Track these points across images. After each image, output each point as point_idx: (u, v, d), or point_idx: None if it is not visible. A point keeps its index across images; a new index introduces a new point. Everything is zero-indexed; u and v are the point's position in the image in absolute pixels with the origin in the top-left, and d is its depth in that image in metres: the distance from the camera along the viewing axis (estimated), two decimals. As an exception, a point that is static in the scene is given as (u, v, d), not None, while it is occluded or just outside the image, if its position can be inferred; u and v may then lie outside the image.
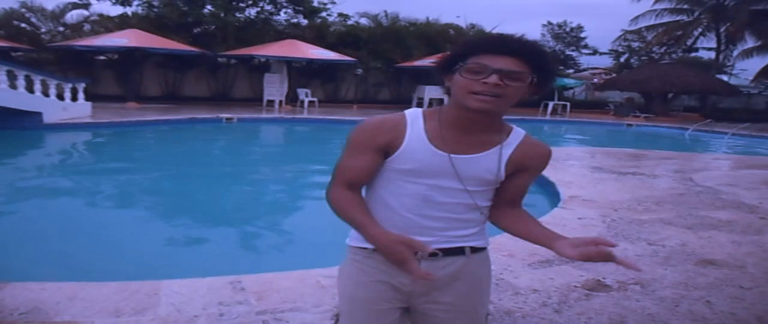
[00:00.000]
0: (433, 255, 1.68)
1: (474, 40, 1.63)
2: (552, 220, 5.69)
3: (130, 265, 4.71)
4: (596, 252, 1.58)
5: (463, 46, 1.63)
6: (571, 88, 29.46)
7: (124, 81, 21.02)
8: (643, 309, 3.54)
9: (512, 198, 1.82)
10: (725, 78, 31.49)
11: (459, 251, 1.79)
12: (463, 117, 1.66)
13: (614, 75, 31.18)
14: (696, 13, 29.55)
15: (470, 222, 1.79)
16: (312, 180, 9.34)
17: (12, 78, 12.36)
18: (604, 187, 7.74)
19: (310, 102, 21.75)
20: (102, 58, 22.17)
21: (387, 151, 1.71)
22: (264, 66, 23.25)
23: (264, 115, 18.59)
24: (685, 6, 29.60)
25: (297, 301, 3.38)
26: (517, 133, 1.76)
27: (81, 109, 14.30)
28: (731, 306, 3.67)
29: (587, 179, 8.24)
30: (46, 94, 13.22)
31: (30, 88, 12.73)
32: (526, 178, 1.80)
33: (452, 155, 1.68)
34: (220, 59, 23.43)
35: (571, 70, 33.77)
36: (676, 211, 6.40)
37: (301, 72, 23.65)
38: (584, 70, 35.48)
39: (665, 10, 29.99)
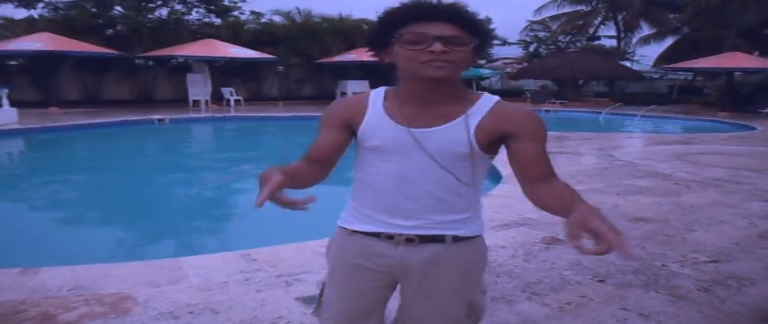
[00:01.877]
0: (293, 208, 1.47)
1: (401, 9, 1.54)
2: (500, 192, 6.38)
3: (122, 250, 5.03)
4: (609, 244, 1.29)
5: (389, 17, 1.55)
6: (487, 78, 30.75)
7: (40, 86, 20.34)
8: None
9: (530, 172, 1.62)
10: (629, 64, 33.78)
11: (439, 239, 1.70)
12: (418, 89, 1.59)
13: (526, 64, 32.81)
14: (594, 3, 31.72)
15: (454, 205, 1.68)
16: (269, 161, 9.78)
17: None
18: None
19: (236, 100, 21.80)
20: (13, 63, 21.38)
21: (351, 128, 1.69)
22: (185, 66, 23.01)
23: (194, 115, 18.54)
24: None
25: (304, 265, 3.86)
26: (487, 100, 1.65)
27: (8, 116, 13.90)
28: (662, 248, 4.45)
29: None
30: (-29, 101, 12.82)
31: (-47, 96, 12.33)
32: (523, 145, 1.61)
33: (413, 129, 1.60)
34: (138, 61, 23.07)
35: (483, 61, 35.18)
36: (604, 182, 7.26)
37: (222, 71, 23.56)
38: (496, 60, 37.06)
39: (565, 0, 32.03)
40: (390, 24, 1.53)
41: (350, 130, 1.68)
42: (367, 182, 1.71)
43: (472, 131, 1.59)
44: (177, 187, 8.57)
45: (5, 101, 14.18)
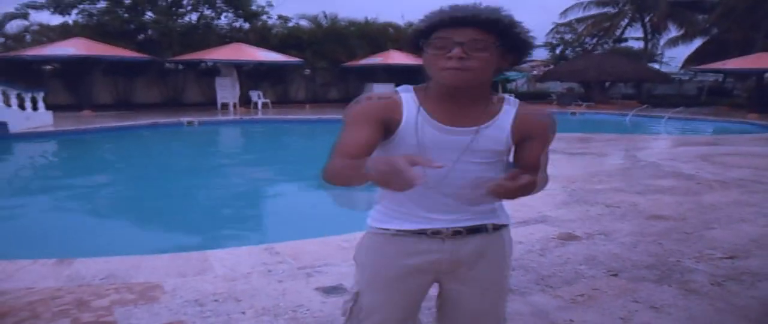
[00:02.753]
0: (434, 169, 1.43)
1: (433, 15, 1.59)
2: (521, 192, 6.45)
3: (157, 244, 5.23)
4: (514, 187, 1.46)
5: (424, 23, 1.60)
6: (513, 80, 30.67)
7: (74, 90, 20.90)
8: (609, 250, 4.31)
9: (528, 165, 1.73)
10: (657, 66, 33.38)
11: (482, 229, 1.79)
12: (442, 92, 1.65)
13: (552, 66, 32.62)
14: (620, 5, 31.45)
15: (488, 197, 1.68)
16: (298, 168, 10.22)
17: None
18: (560, 165, 8.59)
19: (264, 103, 22.09)
20: (48, 68, 22.00)
21: (387, 125, 1.67)
22: (213, 70, 23.40)
23: (222, 118, 18.86)
24: None
25: (327, 259, 3.99)
26: (512, 102, 1.75)
27: (43, 118, 14.36)
28: (678, 245, 4.49)
29: (544, 159, 9.08)
30: (7, 104, 13.26)
31: (-9, 99, 12.79)
32: (534, 145, 1.74)
33: (453, 128, 1.66)
34: (168, 65, 23.49)
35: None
36: (625, 182, 7.28)
37: (249, 75, 23.87)
38: (524, 62, 36.88)
39: (592, 2, 31.88)
40: (427, 29, 1.58)
41: (386, 128, 1.67)
42: None
43: (508, 129, 1.69)
44: (204, 185, 8.83)
45: (41, 104, 14.64)
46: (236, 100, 21.62)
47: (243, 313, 3.07)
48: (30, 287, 3.34)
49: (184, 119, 17.01)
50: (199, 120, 17.33)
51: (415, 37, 1.61)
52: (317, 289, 3.43)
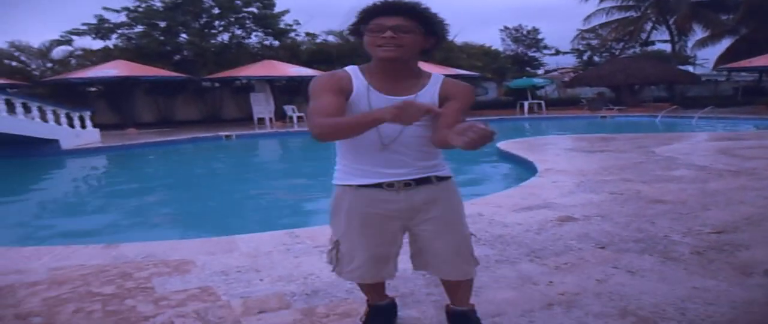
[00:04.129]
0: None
1: (370, 6, 2.07)
2: (531, 184, 6.81)
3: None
4: (474, 133, 1.70)
5: (363, 14, 2.09)
6: (542, 87, 30.80)
7: (118, 110, 21.96)
8: (602, 228, 4.65)
9: (448, 120, 2.06)
10: (691, 68, 33.09)
11: (428, 180, 2.26)
12: (382, 67, 2.12)
13: (581, 72, 32.67)
14: (643, 8, 31.65)
15: (429, 153, 2.23)
16: (325, 172, 10.61)
17: (27, 110, 13.28)
18: (576, 161, 8.90)
19: (299, 117, 22.73)
20: (93, 89, 23.17)
21: (344, 94, 2.11)
22: (248, 87, 24.26)
23: (259, 131, 19.57)
24: (631, 2, 31.80)
25: (340, 241, 4.44)
26: (437, 76, 2.23)
27: (91, 136, 15.25)
28: (670, 223, 4.80)
29: (560, 157, 9.41)
30: (58, 123, 14.15)
31: (44, 119, 13.67)
32: (453, 103, 2.15)
33: (391, 96, 2.10)
34: (204, 83, 24.54)
35: (540, 70, 35.17)
36: (635, 173, 7.55)
37: (282, 90, 24.66)
38: (554, 70, 36.95)
39: (613, 7, 32.22)
40: (365, 18, 2.10)
41: (343, 96, 2.11)
42: (360, 142, 2.15)
43: (436, 96, 2.18)
44: (238, 189, 9.50)
45: (89, 123, 15.53)
46: (272, 115, 22.36)
47: (261, 280, 3.54)
48: (82, 264, 3.88)
49: (223, 134, 17.74)
50: (237, 134, 18.06)
51: (356, 25, 2.12)
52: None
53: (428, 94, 2.17)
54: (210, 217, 7.31)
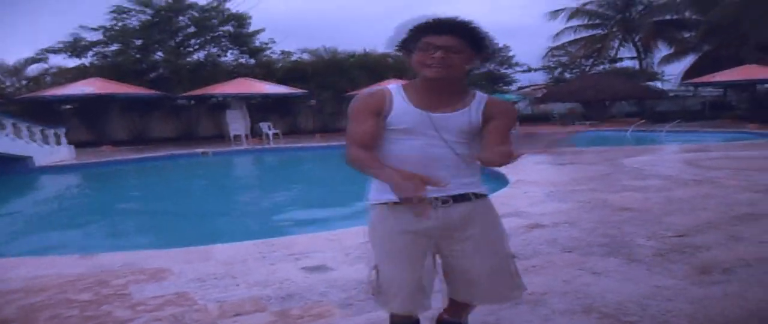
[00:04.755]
0: (437, 188, 1.94)
1: (421, 24, 2.06)
2: (503, 194, 6.97)
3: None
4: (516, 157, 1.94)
5: (413, 31, 2.08)
6: (514, 102, 31.18)
7: (93, 127, 21.78)
8: (570, 234, 4.81)
9: (494, 138, 2.11)
10: (659, 84, 33.88)
11: (465, 197, 2.18)
12: (428, 85, 2.10)
13: (552, 88, 33.23)
14: (609, 26, 32.80)
15: (466, 171, 2.17)
16: (299, 187, 11.09)
17: (1, 127, 13.14)
18: (546, 173, 9.10)
19: (274, 134, 22.73)
20: (68, 107, 22.97)
21: (383, 114, 2.10)
22: (223, 104, 24.27)
23: (235, 148, 19.55)
24: (598, 21, 32.92)
25: (315, 248, 4.53)
26: (482, 95, 2.21)
27: (66, 153, 15.15)
28: (635, 228, 4.97)
29: (531, 169, 9.57)
30: (32, 140, 14.02)
31: (18, 136, 13.54)
32: (496, 122, 2.14)
33: (433, 114, 2.10)
34: (180, 101, 24.47)
35: (513, 87, 35.65)
36: (603, 184, 7.76)
37: (258, 107, 24.68)
38: (527, 87, 37.46)
39: (581, 25, 33.20)
40: (415, 35, 2.09)
41: (381, 116, 2.10)
42: (397, 158, 2.09)
43: (478, 114, 2.16)
44: (214, 202, 9.52)
45: (63, 140, 15.42)
46: (247, 132, 22.29)
47: (237, 285, 3.61)
48: (59, 273, 3.92)
49: (199, 150, 17.70)
50: (214, 151, 18.01)
51: (407, 41, 2.12)
52: (303, 268, 3.97)
53: (471, 112, 2.15)
54: (187, 230, 7.33)
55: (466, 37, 2.05)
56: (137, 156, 16.51)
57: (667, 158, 10.93)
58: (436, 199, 2.10)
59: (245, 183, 13.40)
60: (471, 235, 2.19)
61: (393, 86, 2.20)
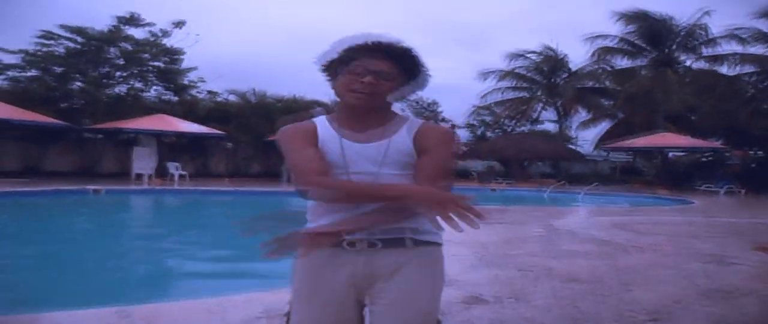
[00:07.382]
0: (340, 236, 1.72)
1: (360, 45, 1.75)
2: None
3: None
4: (454, 211, 1.61)
5: (346, 51, 1.76)
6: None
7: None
8: (520, 314, 3.85)
9: (427, 176, 1.76)
10: (574, 147, 34.85)
11: (399, 242, 1.77)
12: (351, 112, 1.81)
13: (473, 146, 33.48)
14: (534, 90, 34.26)
15: (408, 209, 1.73)
16: (194, 235, 9.83)
17: None
18: (473, 232, 8.06)
19: (181, 175, 21.11)
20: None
21: (315, 144, 1.81)
22: (133, 140, 22.57)
23: (133, 187, 17.88)
24: (524, 84, 34.33)
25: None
26: (414, 121, 1.86)
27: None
28: (597, 307, 4.10)
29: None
30: None
31: None
32: (431, 156, 1.78)
33: (364, 144, 1.78)
34: (87, 133, 22.82)
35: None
36: (540, 247, 7.00)
37: (171, 147, 23.41)
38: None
39: (508, 88, 34.46)
40: (346, 56, 1.76)
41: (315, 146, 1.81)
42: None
43: (412, 140, 1.80)
44: (81, 252, 7.81)
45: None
46: (152, 172, 20.73)
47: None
48: None
49: (91, 187, 15.90)
50: (108, 188, 16.22)
51: (335, 62, 1.79)
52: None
53: (403, 138, 1.81)
54: (23, 288, 5.65)
55: (402, 63, 1.79)
56: (17, 189, 14.59)
57: (596, 221, 10.42)
58: (362, 240, 1.77)
59: (130, 228, 11.47)
60: (391, 292, 1.77)
61: (317, 120, 1.91)
